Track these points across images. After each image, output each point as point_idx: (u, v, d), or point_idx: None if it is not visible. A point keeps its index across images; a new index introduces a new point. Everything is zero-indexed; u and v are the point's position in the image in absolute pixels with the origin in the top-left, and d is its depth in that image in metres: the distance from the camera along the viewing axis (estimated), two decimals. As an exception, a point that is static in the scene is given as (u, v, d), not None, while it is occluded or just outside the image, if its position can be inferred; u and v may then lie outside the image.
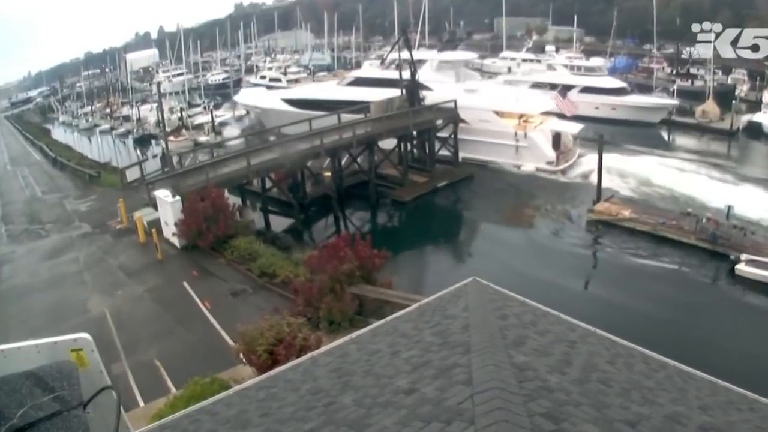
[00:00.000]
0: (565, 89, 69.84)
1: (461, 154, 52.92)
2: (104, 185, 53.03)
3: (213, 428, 6.68)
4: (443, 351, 6.32)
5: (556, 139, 53.86)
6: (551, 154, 52.18)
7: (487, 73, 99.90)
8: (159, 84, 71.54)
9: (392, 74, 60.43)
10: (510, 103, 54.13)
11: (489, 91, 57.84)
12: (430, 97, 55.65)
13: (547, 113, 55.06)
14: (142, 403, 18.80)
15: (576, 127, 53.86)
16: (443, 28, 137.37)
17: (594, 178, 43.26)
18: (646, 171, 48.53)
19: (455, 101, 52.32)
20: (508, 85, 71.02)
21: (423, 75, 58.86)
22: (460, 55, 69.64)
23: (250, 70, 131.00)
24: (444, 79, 60.23)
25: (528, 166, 51.89)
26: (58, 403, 3.69)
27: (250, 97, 77.67)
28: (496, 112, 53.38)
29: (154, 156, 66.66)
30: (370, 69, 73.09)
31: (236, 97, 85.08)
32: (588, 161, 49.76)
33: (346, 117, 50.91)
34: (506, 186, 49.89)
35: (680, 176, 47.62)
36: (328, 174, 48.88)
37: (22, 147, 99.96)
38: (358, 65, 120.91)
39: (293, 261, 28.58)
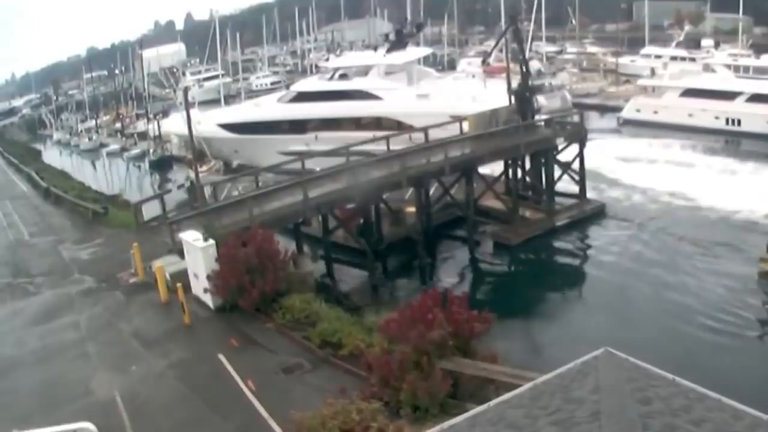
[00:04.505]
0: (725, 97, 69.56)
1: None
2: (113, 225, 54.13)
3: None
4: (565, 445, 6.48)
5: None
6: None
7: (624, 75, 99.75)
8: (186, 90, 73.40)
9: (340, 85, 65.32)
10: (466, 103, 58.15)
11: (443, 93, 62.95)
12: (378, 108, 62.02)
13: None
14: None
15: None
16: (565, 16, 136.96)
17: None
18: None
19: (582, 114, 52.66)
20: (465, 82, 75.20)
21: (369, 83, 65.60)
22: (408, 55, 73.65)
23: (308, 71, 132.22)
24: (393, 84, 66.32)
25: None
26: None
27: (181, 123, 75.14)
28: (453, 116, 56.14)
29: (179, 186, 67.78)
30: (313, 81, 79.96)
31: (164, 124, 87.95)
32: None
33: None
34: (643, 222, 50.10)
35: None
36: (411, 210, 49.28)
37: (3, 174, 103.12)
38: (452, 65, 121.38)
39: (365, 326, 28.77)
